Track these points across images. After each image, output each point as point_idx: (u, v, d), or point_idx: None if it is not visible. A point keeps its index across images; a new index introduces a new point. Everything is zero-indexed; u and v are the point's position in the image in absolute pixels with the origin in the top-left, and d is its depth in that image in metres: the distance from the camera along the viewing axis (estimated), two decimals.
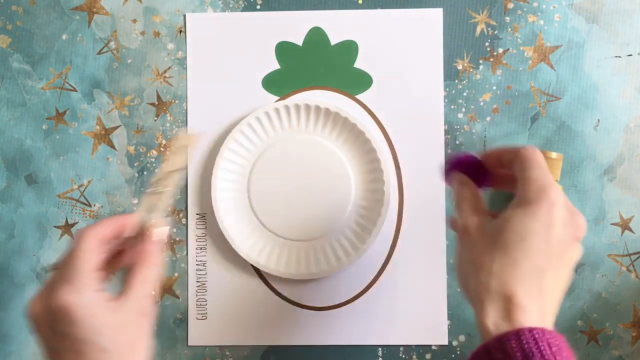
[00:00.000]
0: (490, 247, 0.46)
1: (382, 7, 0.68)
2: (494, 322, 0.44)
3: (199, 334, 0.68)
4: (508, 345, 0.42)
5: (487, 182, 0.53)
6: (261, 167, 0.68)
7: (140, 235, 0.51)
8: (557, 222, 0.46)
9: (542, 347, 0.42)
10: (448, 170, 0.54)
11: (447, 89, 0.68)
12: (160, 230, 0.51)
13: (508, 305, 0.44)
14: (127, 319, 0.48)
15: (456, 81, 0.68)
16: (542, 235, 0.45)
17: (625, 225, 0.68)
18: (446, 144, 0.68)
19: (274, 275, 0.67)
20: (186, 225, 0.69)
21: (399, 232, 0.68)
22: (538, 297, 0.45)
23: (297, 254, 0.68)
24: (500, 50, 0.68)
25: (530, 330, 0.43)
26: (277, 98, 0.69)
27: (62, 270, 0.47)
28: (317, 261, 0.67)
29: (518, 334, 0.42)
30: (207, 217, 0.68)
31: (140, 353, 0.48)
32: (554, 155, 0.65)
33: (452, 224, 0.52)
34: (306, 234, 0.68)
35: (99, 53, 0.69)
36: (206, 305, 0.68)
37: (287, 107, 0.67)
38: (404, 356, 0.68)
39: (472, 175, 0.53)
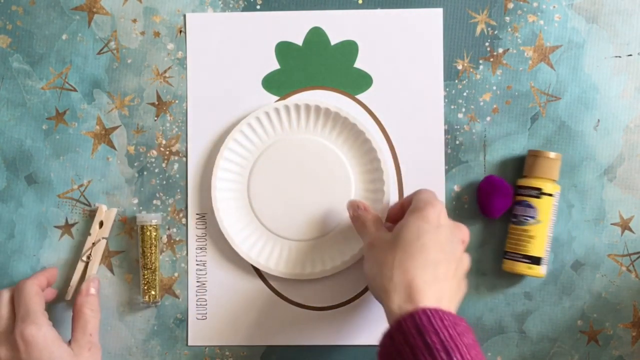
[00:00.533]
0: (391, 247, 0.55)
1: (382, 7, 0.68)
2: (398, 305, 0.52)
3: (199, 334, 0.68)
4: (404, 325, 0.49)
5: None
6: (261, 167, 0.68)
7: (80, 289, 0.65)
8: (443, 224, 0.56)
9: (434, 323, 0.49)
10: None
11: (447, 89, 0.68)
12: (93, 284, 0.66)
13: (409, 290, 0.52)
14: (78, 351, 0.61)
15: (456, 81, 0.68)
16: (432, 234, 0.55)
17: (625, 225, 0.68)
18: (446, 144, 0.68)
19: (274, 275, 0.67)
20: (186, 225, 0.69)
21: None
22: (434, 283, 0.53)
23: (297, 254, 0.68)
24: (500, 50, 0.68)
25: (424, 309, 0.50)
26: (277, 98, 0.69)
27: (18, 312, 0.61)
28: (318, 261, 0.67)
29: (412, 315, 0.50)
30: (207, 217, 0.68)
31: None
32: (552, 155, 0.65)
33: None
34: (306, 233, 0.68)
35: (99, 53, 0.69)
36: (206, 305, 0.68)
37: (287, 107, 0.67)
38: None
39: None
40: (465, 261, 0.58)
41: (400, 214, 0.61)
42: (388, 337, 0.51)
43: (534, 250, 0.64)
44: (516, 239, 0.65)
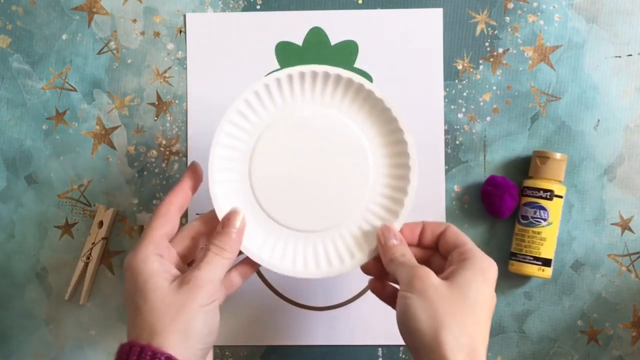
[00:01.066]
0: (455, 305, 0.49)
1: (382, 7, 0.68)
2: None
3: None
4: None
5: None
6: (262, 149, 0.58)
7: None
8: (493, 284, 0.52)
9: None
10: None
11: (447, 89, 0.68)
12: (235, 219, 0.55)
13: (473, 356, 0.48)
14: (183, 301, 0.49)
15: (456, 81, 0.68)
16: (493, 300, 0.52)
17: (625, 225, 0.68)
18: (446, 144, 0.68)
19: (275, 274, 0.58)
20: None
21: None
22: (484, 345, 0.50)
23: (304, 248, 0.58)
24: (500, 50, 0.68)
25: None
26: None
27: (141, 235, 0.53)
28: (331, 257, 0.58)
29: None
30: None
31: (195, 340, 0.49)
32: (558, 156, 0.65)
33: (373, 286, 0.58)
34: (318, 223, 0.58)
35: (99, 53, 0.69)
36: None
37: (290, 77, 0.57)
38: (404, 356, 0.68)
39: None
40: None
41: (413, 237, 0.56)
42: None
43: (546, 252, 0.64)
44: (528, 241, 0.65)
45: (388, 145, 0.58)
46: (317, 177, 0.58)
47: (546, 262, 0.64)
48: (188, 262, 0.56)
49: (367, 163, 0.58)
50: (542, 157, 0.65)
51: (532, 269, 0.65)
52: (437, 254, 0.56)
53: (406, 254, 0.54)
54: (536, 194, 0.65)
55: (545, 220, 0.65)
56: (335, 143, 0.58)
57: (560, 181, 0.65)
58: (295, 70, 0.57)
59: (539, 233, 0.64)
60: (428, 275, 0.51)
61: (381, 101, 0.57)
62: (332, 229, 0.58)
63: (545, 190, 0.64)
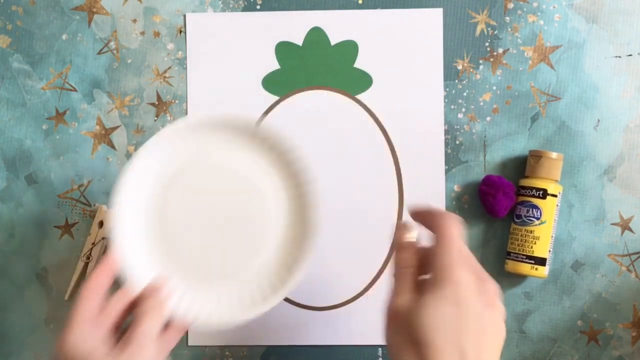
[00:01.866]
0: (409, 339, 0.45)
1: (382, 7, 0.68)
2: None
3: (198, 334, 0.68)
4: None
5: None
6: (173, 199, 0.59)
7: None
8: (465, 301, 0.45)
9: None
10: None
11: (447, 89, 0.68)
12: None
13: None
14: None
15: (456, 81, 0.68)
16: (454, 318, 0.45)
17: (625, 225, 0.68)
18: (446, 144, 0.68)
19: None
20: None
21: None
22: None
23: (205, 297, 0.59)
24: (500, 50, 0.68)
25: None
26: (277, 98, 0.68)
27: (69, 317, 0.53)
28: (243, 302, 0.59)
29: None
30: None
31: None
32: (554, 155, 0.65)
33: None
34: (226, 271, 0.60)
35: (99, 53, 0.69)
36: None
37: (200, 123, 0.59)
38: None
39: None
40: (498, 314, 0.47)
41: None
42: None
43: (539, 251, 0.64)
44: (521, 239, 0.65)
45: (293, 188, 0.60)
46: (222, 225, 0.59)
47: (540, 261, 0.64)
48: (120, 330, 0.56)
49: (268, 209, 0.60)
50: (535, 156, 0.65)
51: (526, 268, 0.65)
52: None
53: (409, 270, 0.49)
54: (529, 192, 0.65)
55: (538, 219, 0.64)
56: (240, 191, 0.59)
57: (556, 180, 0.65)
58: (203, 116, 0.59)
59: (531, 232, 0.64)
60: (403, 307, 0.47)
61: (283, 142, 0.59)
62: (239, 275, 0.60)
63: (538, 189, 0.64)
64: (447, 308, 0.45)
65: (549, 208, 0.64)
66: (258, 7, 0.69)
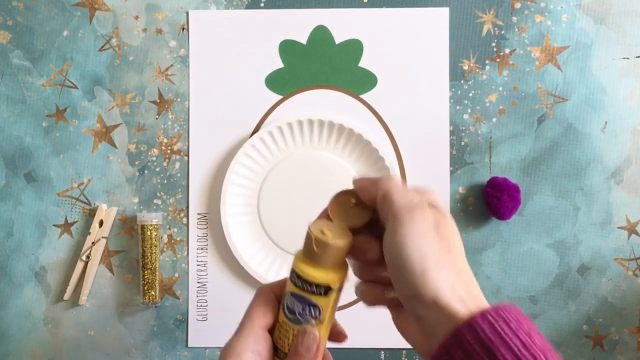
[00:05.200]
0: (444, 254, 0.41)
1: (387, 6, 0.68)
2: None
3: (199, 335, 0.67)
4: (464, 339, 0.38)
5: None
6: (272, 182, 0.67)
7: None
8: (428, 227, 0.42)
9: (502, 329, 0.38)
10: None
11: (453, 89, 0.67)
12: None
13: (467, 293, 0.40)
14: None
15: (462, 81, 0.67)
16: (431, 243, 0.41)
17: (631, 229, 0.67)
18: (451, 145, 0.67)
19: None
20: (187, 225, 0.68)
21: None
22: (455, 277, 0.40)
23: None
24: (507, 51, 0.67)
25: (483, 314, 0.38)
26: (281, 97, 0.68)
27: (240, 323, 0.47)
28: None
29: (471, 324, 0.38)
30: (209, 217, 0.68)
31: None
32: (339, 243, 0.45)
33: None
34: None
35: (100, 50, 0.68)
36: (206, 306, 0.67)
37: (300, 122, 0.66)
38: (406, 359, 0.67)
39: None
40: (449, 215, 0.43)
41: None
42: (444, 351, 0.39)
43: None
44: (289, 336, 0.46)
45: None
46: (315, 209, 0.59)
47: None
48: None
49: None
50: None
51: None
52: None
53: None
54: (308, 287, 0.44)
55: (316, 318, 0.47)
56: (331, 181, 0.66)
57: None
58: (294, 118, 0.66)
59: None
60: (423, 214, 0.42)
61: (369, 143, 0.65)
62: None
63: (320, 285, 0.45)
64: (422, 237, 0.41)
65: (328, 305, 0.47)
66: (262, 4, 0.68)
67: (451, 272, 0.40)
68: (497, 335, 0.37)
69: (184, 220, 0.68)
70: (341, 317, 0.67)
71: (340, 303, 0.67)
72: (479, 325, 0.37)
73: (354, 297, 0.67)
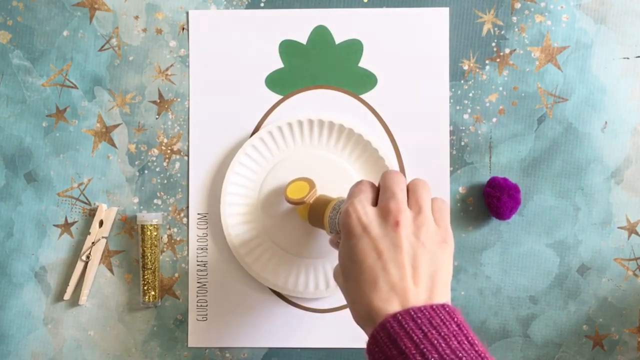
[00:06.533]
0: (342, 281, 0.52)
1: (387, 6, 0.68)
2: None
3: (199, 335, 0.67)
4: (372, 340, 0.46)
5: None
6: (272, 182, 0.67)
7: None
8: (367, 226, 0.49)
9: (407, 326, 0.45)
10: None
11: (453, 90, 0.67)
12: None
13: (372, 316, 0.47)
14: None
15: (462, 81, 0.67)
16: (363, 245, 0.48)
17: (632, 229, 0.67)
18: (451, 145, 0.67)
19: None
20: (187, 225, 0.68)
21: None
22: (394, 291, 0.47)
23: (305, 272, 0.67)
24: (507, 51, 0.67)
25: (394, 315, 0.45)
26: (281, 97, 0.68)
27: None
28: (328, 280, 0.66)
29: (383, 323, 0.45)
30: (209, 217, 0.68)
31: None
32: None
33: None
34: (316, 251, 0.67)
35: (100, 50, 0.68)
36: (207, 306, 0.67)
37: (300, 122, 0.66)
38: None
39: None
40: (452, 250, 0.50)
41: None
42: (368, 350, 0.47)
43: None
44: None
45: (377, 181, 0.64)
46: None
47: None
48: None
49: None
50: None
51: None
52: None
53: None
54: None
55: None
56: (331, 181, 0.66)
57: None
58: (294, 118, 0.66)
59: None
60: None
61: (369, 143, 0.65)
62: (329, 255, 0.67)
63: None
64: (355, 240, 0.49)
65: None
66: (262, 4, 0.68)
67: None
68: (403, 329, 0.44)
69: (184, 220, 0.68)
70: (341, 317, 0.67)
71: (340, 303, 0.67)
72: (389, 324, 0.45)
73: None
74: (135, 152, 0.68)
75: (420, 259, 0.48)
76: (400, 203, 0.49)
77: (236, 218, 0.67)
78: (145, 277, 0.67)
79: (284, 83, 0.68)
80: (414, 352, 0.43)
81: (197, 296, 0.68)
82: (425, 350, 0.43)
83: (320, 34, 0.68)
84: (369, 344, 0.46)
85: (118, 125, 0.68)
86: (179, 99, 0.68)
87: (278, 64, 0.68)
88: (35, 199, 0.68)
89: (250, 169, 0.67)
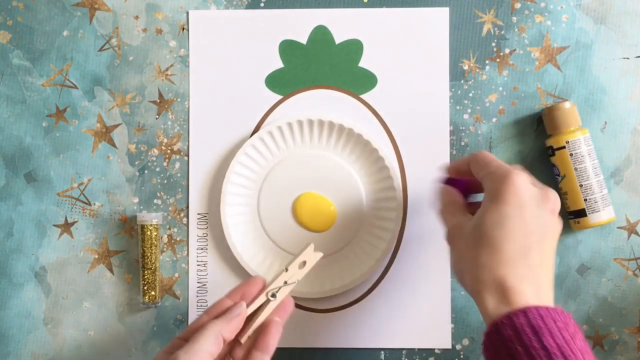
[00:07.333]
0: (474, 241, 0.50)
1: (387, 6, 0.68)
2: (493, 307, 0.47)
3: None
4: (517, 321, 0.45)
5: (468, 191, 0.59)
6: (272, 182, 0.67)
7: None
8: (527, 202, 0.49)
9: (548, 323, 0.45)
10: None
11: (453, 90, 0.67)
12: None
13: (502, 290, 0.47)
14: None
15: (462, 81, 0.67)
16: (517, 217, 0.49)
17: (631, 229, 0.67)
18: (451, 145, 0.67)
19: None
20: (187, 225, 0.68)
21: (402, 234, 0.67)
22: (529, 276, 0.48)
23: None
24: (507, 51, 0.67)
25: (537, 308, 0.46)
26: (281, 97, 0.68)
27: (188, 343, 0.52)
28: (327, 280, 0.66)
29: (525, 311, 0.45)
30: (209, 217, 0.68)
31: None
32: (567, 105, 0.64)
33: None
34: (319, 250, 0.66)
35: (100, 50, 0.68)
36: (206, 306, 0.67)
37: (300, 122, 0.66)
38: (406, 359, 0.67)
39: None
40: (558, 229, 0.52)
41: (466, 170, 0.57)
42: (494, 329, 0.46)
43: (573, 204, 0.65)
44: (562, 199, 0.65)
45: (376, 182, 0.67)
46: None
47: (578, 214, 0.64)
48: None
49: (360, 197, 0.67)
50: (545, 114, 0.65)
51: (571, 224, 0.66)
52: None
53: (441, 203, 0.58)
54: (547, 154, 0.66)
55: (558, 175, 0.65)
56: (331, 181, 0.67)
57: (569, 129, 0.64)
58: (294, 118, 0.66)
59: (561, 189, 0.65)
60: (453, 213, 0.54)
61: (369, 143, 0.65)
62: (331, 255, 0.67)
63: (548, 148, 0.65)
64: (510, 210, 0.49)
65: (562, 162, 0.64)
66: (262, 4, 0.68)
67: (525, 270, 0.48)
68: (545, 325, 0.45)
69: (184, 220, 0.68)
70: (341, 317, 0.67)
71: (340, 303, 0.67)
72: (532, 314, 0.45)
73: (354, 297, 0.68)
74: (135, 152, 0.68)
75: (553, 252, 0.51)
76: (557, 197, 0.52)
77: (236, 218, 0.67)
78: (145, 277, 0.66)
79: (284, 83, 0.68)
80: (556, 351, 0.44)
81: (197, 296, 0.68)
82: (565, 351, 0.44)
83: (320, 34, 0.68)
84: (501, 321, 0.46)
85: (118, 125, 0.68)
86: (179, 99, 0.68)
87: (278, 64, 0.68)
88: (35, 199, 0.68)
89: (250, 169, 0.67)
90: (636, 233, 0.67)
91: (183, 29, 0.68)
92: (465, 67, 0.67)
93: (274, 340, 0.55)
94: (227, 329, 0.53)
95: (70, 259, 0.68)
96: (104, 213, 0.68)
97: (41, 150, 0.68)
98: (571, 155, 0.64)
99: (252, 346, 0.55)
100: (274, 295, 0.57)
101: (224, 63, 0.68)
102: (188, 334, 0.54)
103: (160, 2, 0.68)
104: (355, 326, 0.67)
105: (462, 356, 0.67)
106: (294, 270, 0.58)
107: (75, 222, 0.68)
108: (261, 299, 0.57)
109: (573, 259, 0.67)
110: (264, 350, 0.55)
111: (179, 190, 0.68)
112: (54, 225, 0.68)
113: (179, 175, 0.68)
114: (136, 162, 0.68)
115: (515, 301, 0.47)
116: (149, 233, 0.66)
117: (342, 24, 0.68)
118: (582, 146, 0.64)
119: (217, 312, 0.55)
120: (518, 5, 0.67)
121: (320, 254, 0.59)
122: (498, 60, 0.67)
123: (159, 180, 0.68)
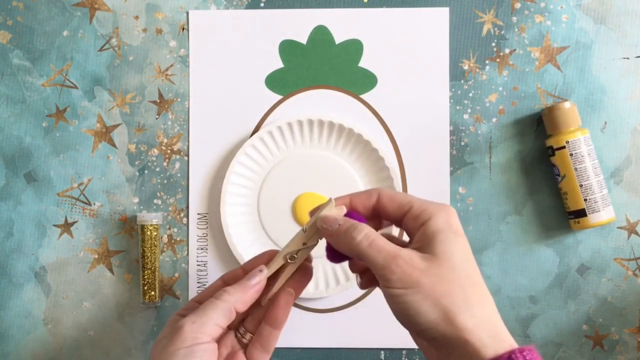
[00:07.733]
0: (454, 285, 0.44)
1: (387, 6, 0.68)
2: (490, 345, 0.44)
3: None
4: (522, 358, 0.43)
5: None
6: (272, 182, 0.67)
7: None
8: (461, 231, 0.47)
9: None
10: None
11: (453, 90, 0.67)
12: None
13: (492, 326, 0.45)
14: (165, 344, 0.49)
15: (462, 81, 0.67)
16: (468, 248, 0.47)
17: (631, 229, 0.67)
18: (451, 145, 0.67)
19: None
20: (187, 225, 0.68)
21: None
22: (491, 304, 0.46)
23: None
24: (507, 51, 0.67)
25: (521, 349, 0.43)
26: (281, 97, 0.68)
27: (197, 311, 0.50)
28: (329, 279, 0.67)
29: (522, 350, 0.43)
30: (209, 217, 0.68)
31: None
32: (567, 105, 0.64)
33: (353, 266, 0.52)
34: (315, 251, 0.65)
35: (100, 50, 0.68)
36: None
37: (300, 122, 0.66)
38: (406, 359, 0.67)
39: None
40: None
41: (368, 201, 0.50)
42: None
43: (572, 204, 0.64)
44: (562, 199, 0.66)
45: (376, 182, 0.67)
46: None
47: (578, 214, 0.64)
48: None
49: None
50: (545, 114, 0.65)
51: (571, 224, 0.66)
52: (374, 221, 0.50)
53: (371, 235, 0.47)
54: (547, 154, 0.66)
55: (558, 175, 0.65)
56: (331, 180, 0.67)
57: (568, 130, 0.64)
58: (294, 118, 0.66)
59: (561, 189, 0.65)
60: (410, 261, 0.44)
61: (369, 143, 0.65)
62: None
63: (547, 149, 0.66)
64: (459, 241, 0.46)
65: (562, 161, 0.64)
66: (262, 4, 0.68)
67: (477, 310, 0.44)
68: None
69: (184, 220, 0.68)
70: (341, 317, 0.67)
71: (340, 303, 0.67)
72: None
73: (354, 297, 0.68)
74: (135, 152, 0.68)
75: None
76: None
77: (236, 218, 0.67)
78: (145, 277, 0.66)
79: (284, 83, 0.68)
80: None
81: None
82: None
83: (320, 33, 0.68)
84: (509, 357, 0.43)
85: (118, 125, 0.68)
86: (179, 99, 0.68)
87: (278, 63, 0.68)
88: (35, 199, 0.68)
89: (250, 169, 0.67)
90: (636, 233, 0.67)
91: (183, 29, 0.68)
92: (465, 67, 0.67)
93: (283, 314, 0.51)
94: (241, 300, 0.50)
95: (70, 259, 0.68)
96: (104, 213, 0.68)
97: (41, 150, 0.68)
98: (571, 155, 0.64)
99: (262, 317, 0.52)
100: (292, 258, 0.51)
101: (224, 63, 0.68)
102: (203, 297, 0.52)
103: (160, 2, 0.68)
104: (355, 326, 0.67)
105: None
106: (313, 232, 0.51)
107: (75, 222, 0.68)
108: (278, 263, 0.51)
109: (573, 259, 0.67)
110: (273, 325, 0.51)
111: (179, 190, 0.68)
112: (54, 225, 0.68)
113: (179, 175, 0.68)
114: (136, 162, 0.68)
115: (506, 339, 0.44)
116: (149, 233, 0.66)
117: (342, 24, 0.68)
118: (582, 146, 0.64)
119: (232, 280, 0.52)
120: (518, 5, 0.67)
121: (344, 209, 0.49)
122: (498, 60, 0.67)
123: (159, 180, 0.68)
